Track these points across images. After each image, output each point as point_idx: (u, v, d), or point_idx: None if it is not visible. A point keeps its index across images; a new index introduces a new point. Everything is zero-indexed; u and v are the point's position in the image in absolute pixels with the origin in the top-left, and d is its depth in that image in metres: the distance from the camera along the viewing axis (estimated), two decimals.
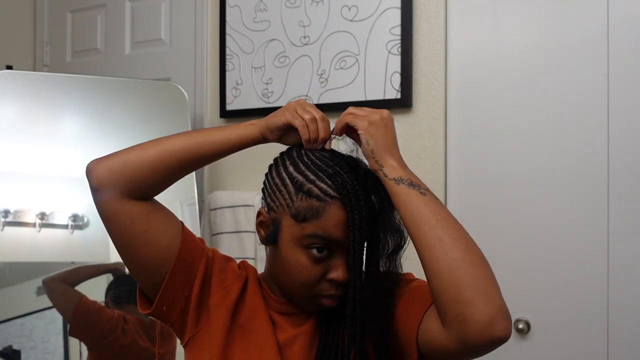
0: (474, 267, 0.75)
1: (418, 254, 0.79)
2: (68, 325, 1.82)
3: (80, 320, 1.80)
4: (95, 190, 0.87)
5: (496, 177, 1.70)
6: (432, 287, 0.77)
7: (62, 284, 1.80)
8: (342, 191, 0.83)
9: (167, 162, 0.88)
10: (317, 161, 0.87)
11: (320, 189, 0.84)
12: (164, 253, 0.89)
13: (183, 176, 0.92)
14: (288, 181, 0.86)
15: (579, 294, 1.60)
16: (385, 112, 0.88)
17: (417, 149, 1.78)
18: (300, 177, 0.85)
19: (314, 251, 0.84)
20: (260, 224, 0.91)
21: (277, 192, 0.87)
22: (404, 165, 0.86)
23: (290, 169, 0.87)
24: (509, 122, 1.69)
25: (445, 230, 0.78)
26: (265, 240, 0.91)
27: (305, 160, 0.87)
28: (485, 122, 1.72)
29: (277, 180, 0.88)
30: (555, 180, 1.63)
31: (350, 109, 0.90)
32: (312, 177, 0.85)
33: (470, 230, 0.82)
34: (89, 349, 1.81)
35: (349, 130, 0.90)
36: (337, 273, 0.85)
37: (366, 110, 0.88)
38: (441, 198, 1.75)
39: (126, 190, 0.86)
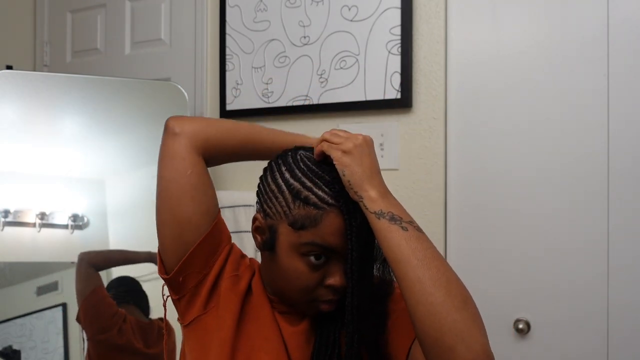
0: (455, 311, 0.72)
1: (402, 293, 0.77)
2: (68, 324, 1.82)
3: (88, 307, 1.81)
4: (175, 135, 0.92)
5: (496, 177, 1.70)
6: (414, 327, 0.75)
7: (89, 268, 1.83)
8: (340, 198, 0.82)
9: (238, 135, 0.97)
10: (314, 167, 0.86)
11: (317, 196, 0.83)
12: (202, 216, 0.91)
13: (246, 159, 1.00)
14: (284, 188, 0.85)
15: (579, 294, 1.60)
16: (360, 138, 0.85)
17: (417, 149, 1.78)
18: (297, 184, 0.84)
19: (312, 258, 0.84)
20: (256, 230, 0.91)
21: (274, 198, 0.87)
22: (385, 195, 0.82)
23: (287, 175, 0.86)
24: (509, 122, 1.69)
25: (426, 271, 0.75)
26: (262, 247, 0.91)
27: (302, 166, 0.86)
28: (485, 122, 1.72)
29: (273, 187, 0.87)
30: (555, 180, 1.64)
31: (325, 135, 0.87)
32: (309, 184, 0.84)
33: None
34: (88, 339, 1.82)
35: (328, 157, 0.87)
36: (335, 279, 0.85)
37: (341, 137, 0.85)
38: (441, 198, 1.76)
39: (202, 144, 0.93)
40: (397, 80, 1.80)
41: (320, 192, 0.83)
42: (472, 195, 1.73)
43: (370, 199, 0.80)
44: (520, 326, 1.65)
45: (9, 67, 2.08)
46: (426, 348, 0.74)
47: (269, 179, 0.89)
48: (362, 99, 1.86)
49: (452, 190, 1.75)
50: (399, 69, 1.80)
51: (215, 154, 0.95)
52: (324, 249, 0.83)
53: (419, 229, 0.80)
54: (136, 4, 2.36)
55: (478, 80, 1.73)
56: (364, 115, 1.86)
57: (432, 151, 1.77)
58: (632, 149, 1.55)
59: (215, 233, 0.92)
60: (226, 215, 1.99)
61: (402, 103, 1.79)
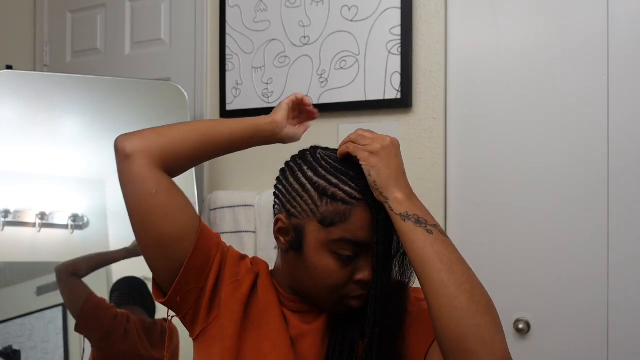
0: (477, 316, 0.74)
1: (424, 295, 0.78)
2: (68, 324, 1.82)
3: (87, 315, 1.79)
4: (127, 157, 0.88)
5: (496, 177, 1.70)
6: (436, 330, 0.76)
7: (71, 277, 1.79)
8: (367, 193, 0.83)
9: (194, 136, 0.92)
10: (337, 164, 0.87)
11: (345, 192, 0.84)
12: (182, 230, 0.89)
13: (209, 157, 0.97)
14: (309, 186, 0.86)
15: (579, 293, 1.60)
16: (387, 139, 0.85)
17: (417, 149, 1.78)
18: (322, 182, 0.85)
19: (342, 254, 0.84)
20: (279, 231, 0.90)
21: (298, 197, 0.87)
22: (410, 196, 0.83)
23: (309, 173, 0.87)
24: (509, 122, 1.69)
25: (451, 275, 0.76)
26: (288, 247, 0.90)
27: (324, 164, 0.87)
28: (485, 122, 1.72)
29: (297, 186, 0.87)
30: (555, 181, 1.63)
31: (351, 136, 0.87)
32: (334, 180, 0.85)
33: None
34: (92, 346, 1.81)
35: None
36: (365, 273, 0.85)
37: (368, 138, 0.85)
38: (441, 198, 1.76)
39: (159, 158, 0.89)
40: (397, 80, 1.80)
41: (347, 188, 0.84)
42: (472, 195, 1.73)
43: (396, 201, 0.81)
44: (520, 326, 1.64)
45: (9, 67, 2.08)
46: (447, 351, 0.75)
47: (291, 179, 0.89)
48: (362, 99, 1.86)
49: (452, 190, 1.75)
50: (399, 69, 1.80)
51: (176, 163, 0.91)
52: (355, 244, 0.84)
53: (443, 233, 0.81)
54: (136, 4, 2.36)
55: (478, 80, 1.73)
56: (364, 115, 1.86)
57: (432, 151, 1.77)
58: (632, 147, 1.55)
59: (202, 243, 0.91)
60: (226, 215, 1.99)
61: (402, 103, 1.79)
